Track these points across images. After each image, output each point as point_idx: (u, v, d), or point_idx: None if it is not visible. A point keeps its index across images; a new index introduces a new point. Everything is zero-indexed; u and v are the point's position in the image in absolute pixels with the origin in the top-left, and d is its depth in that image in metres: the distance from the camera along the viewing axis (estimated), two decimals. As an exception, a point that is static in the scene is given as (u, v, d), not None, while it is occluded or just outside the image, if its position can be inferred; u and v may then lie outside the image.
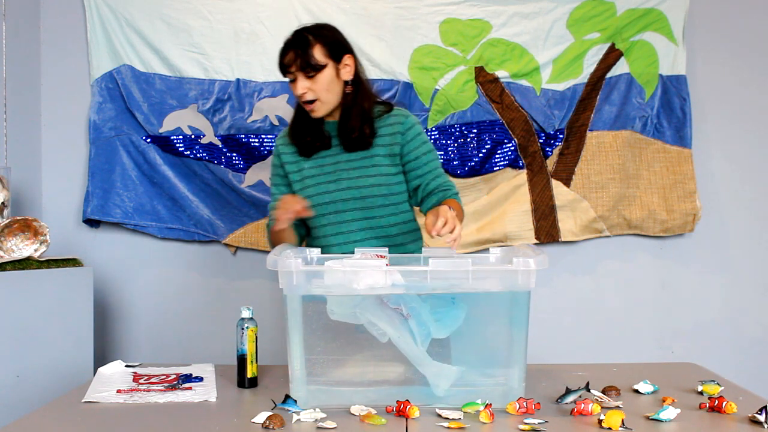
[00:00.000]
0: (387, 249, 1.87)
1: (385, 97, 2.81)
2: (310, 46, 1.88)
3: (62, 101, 2.95)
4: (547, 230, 2.88)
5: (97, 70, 2.90)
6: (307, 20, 2.60)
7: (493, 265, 1.82)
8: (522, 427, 1.43)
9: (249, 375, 1.77)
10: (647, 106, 2.88)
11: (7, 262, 2.29)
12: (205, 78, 2.88)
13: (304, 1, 2.86)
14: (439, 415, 1.49)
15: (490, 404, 1.49)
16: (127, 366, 1.95)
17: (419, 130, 1.99)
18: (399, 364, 1.60)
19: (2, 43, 2.70)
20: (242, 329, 1.77)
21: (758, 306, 2.96)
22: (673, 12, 2.86)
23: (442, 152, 2.88)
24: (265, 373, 1.86)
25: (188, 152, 2.88)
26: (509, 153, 2.89)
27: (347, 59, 1.94)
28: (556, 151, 2.89)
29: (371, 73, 2.83)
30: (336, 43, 1.93)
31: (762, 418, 1.42)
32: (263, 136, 2.87)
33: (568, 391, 1.60)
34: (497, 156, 2.89)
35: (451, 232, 1.64)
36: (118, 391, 1.70)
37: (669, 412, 1.46)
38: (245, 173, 2.88)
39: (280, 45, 1.93)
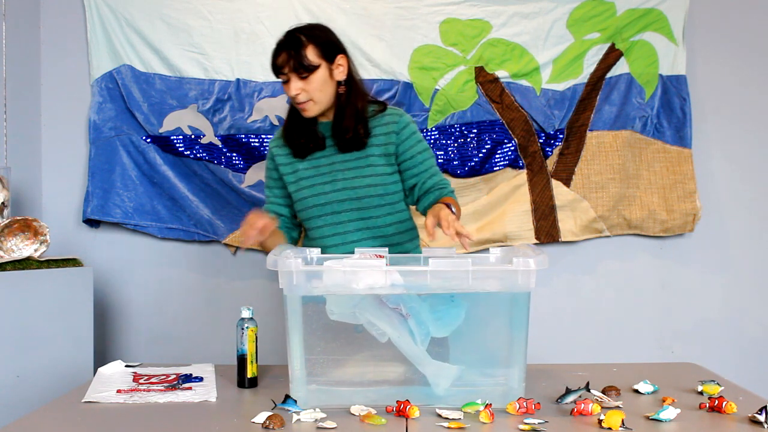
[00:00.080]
0: (387, 249, 1.87)
1: (385, 97, 2.81)
2: (302, 46, 1.88)
3: (62, 101, 2.95)
4: (547, 230, 2.88)
5: (97, 70, 2.89)
6: (308, 20, 2.60)
7: (493, 265, 1.82)
8: (522, 427, 1.43)
9: (249, 375, 1.77)
10: (647, 106, 2.88)
11: (7, 262, 2.29)
12: (205, 78, 2.88)
13: (304, 1, 2.86)
14: (439, 415, 1.50)
15: (490, 404, 1.49)
16: (127, 366, 1.96)
17: (414, 128, 1.99)
18: (399, 364, 1.60)
19: (2, 43, 2.70)
20: (242, 329, 1.77)
21: (758, 306, 2.96)
22: (673, 12, 2.86)
23: (442, 152, 2.88)
24: (265, 373, 1.86)
25: (188, 152, 2.88)
26: (509, 153, 2.89)
27: (340, 59, 1.94)
28: (556, 151, 2.89)
29: (371, 73, 2.83)
30: (329, 44, 1.93)
31: (762, 418, 1.42)
32: (263, 136, 2.87)
33: (568, 391, 1.60)
34: (497, 156, 2.89)
35: (458, 234, 1.64)
36: (118, 391, 1.70)
37: (669, 412, 1.47)
38: (245, 173, 2.88)
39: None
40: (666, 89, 2.88)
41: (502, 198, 2.90)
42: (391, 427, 1.45)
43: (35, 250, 2.38)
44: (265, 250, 1.91)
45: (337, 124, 1.95)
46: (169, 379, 1.82)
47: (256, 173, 2.87)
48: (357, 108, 1.95)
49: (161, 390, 1.72)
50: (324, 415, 1.50)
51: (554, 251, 2.91)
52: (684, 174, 2.87)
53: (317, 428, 1.44)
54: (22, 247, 2.38)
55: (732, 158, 2.95)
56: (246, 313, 1.80)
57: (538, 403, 1.53)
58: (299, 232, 2.13)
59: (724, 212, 2.95)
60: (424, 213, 1.95)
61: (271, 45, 1.95)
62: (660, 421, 1.46)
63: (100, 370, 1.90)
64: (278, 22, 2.80)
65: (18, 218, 2.35)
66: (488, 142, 2.88)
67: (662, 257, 2.96)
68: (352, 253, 1.85)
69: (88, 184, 2.87)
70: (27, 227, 2.38)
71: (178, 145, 2.87)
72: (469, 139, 2.89)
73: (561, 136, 2.89)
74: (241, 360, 1.77)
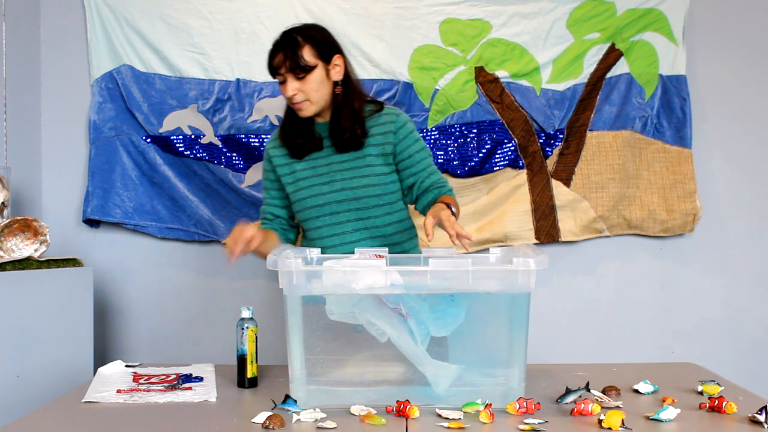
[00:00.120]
0: (386, 249, 1.87)
1: (385, 97, 2.82)
2: (299, 47, 1.87)
3: (62, 101, 2.95)
4: (547, 230, 2.88)
5: (97, 70, 2.89)
6: (308, 20, 2.60)
7: (493, 265, 1.82)
8: (522, 427, 1.43)
9: (249, 375, 1.77)
10: (647, 106, 2.88)
11: (7, 262, 2.29)
12: (205, 78, 2.88)
13: (304, 1, 2.86)
14: (439, 415, 1.49)
15: (490, 404, 1.49)
16: (127, 366, 1.96)
17: (411, 128, 1.99)
18: (399, 364, 1.60)
19: (2, 43, 2.70)
20: (242, 329, 1.77)
21: (758, 306, 2.96)
22: (673, 12, 2.86)
23: (442, 152, 2.88)
24: (265, 373, 1.86)
25: (188, 152, 2.88)
26: (509, 153, 2.89)
27: (337, 59, 1.93)
28: (556, 151, 2.89)
29: (371, 73, 2.83)
30: (325, 44, 1.92)
31: (762, 418, 1.42)
32: (263, 136, 2.87)
33: (568, 391, 1.60)
34: (497, 156, 2.89)
35: (459, 236, 1.64)
36: (118, 391, 1.70)
37: (669, 412, 1.46)
38: (245, 173, 2.88)
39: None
40: (666, 89, 2.88)
41: (502, 198, 2.90)
42: (391, 427, 1.45)
43: (35, 250, 2.38)
44: (261, 256, 1.90)
45: (334, 124, 1.95)
46: (169, 379, 1.82)
47: (256, 173, 2.87)
48: (354, 108, 1.94)
49: (161, 390, 1.72)
50: (324, 415, 1.50)
51: (554, 251, 2.91)
52: (684, 174, 2.87)
53: (317, 428, 1.44)
54: (22, 247, 2.38)
55: (732, 158, 2.95)
56: (246, 313, 1.80)
57: (538, 403, 1.53)
58: (297, 234, 2.13)
59: (724, 212, 2.95)
60: (422, 212, 1.95)
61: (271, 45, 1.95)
62: (660, 421, 1.46)
63: (100, 370, 1.90)
64: (278, 22, 2.79)
65: (18, 218, 2.36)
66: (488, 142, 2.88)
67: (662, 257, 2.95)
68: (351, 253, 1.85)
69: (88, 184, 2.87)
70: (27, 227, 2.38)
71: (178, 145, 2.87)
72: (469, 139, 2.89)
73: (561, 136, 2.89)
74: (241, 360, 1.77)
